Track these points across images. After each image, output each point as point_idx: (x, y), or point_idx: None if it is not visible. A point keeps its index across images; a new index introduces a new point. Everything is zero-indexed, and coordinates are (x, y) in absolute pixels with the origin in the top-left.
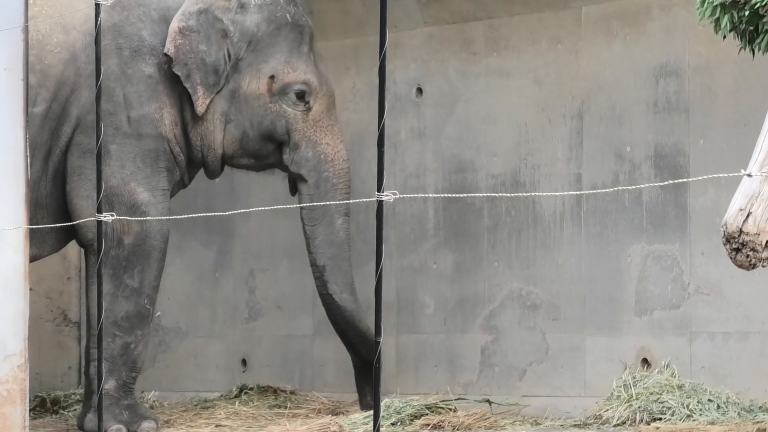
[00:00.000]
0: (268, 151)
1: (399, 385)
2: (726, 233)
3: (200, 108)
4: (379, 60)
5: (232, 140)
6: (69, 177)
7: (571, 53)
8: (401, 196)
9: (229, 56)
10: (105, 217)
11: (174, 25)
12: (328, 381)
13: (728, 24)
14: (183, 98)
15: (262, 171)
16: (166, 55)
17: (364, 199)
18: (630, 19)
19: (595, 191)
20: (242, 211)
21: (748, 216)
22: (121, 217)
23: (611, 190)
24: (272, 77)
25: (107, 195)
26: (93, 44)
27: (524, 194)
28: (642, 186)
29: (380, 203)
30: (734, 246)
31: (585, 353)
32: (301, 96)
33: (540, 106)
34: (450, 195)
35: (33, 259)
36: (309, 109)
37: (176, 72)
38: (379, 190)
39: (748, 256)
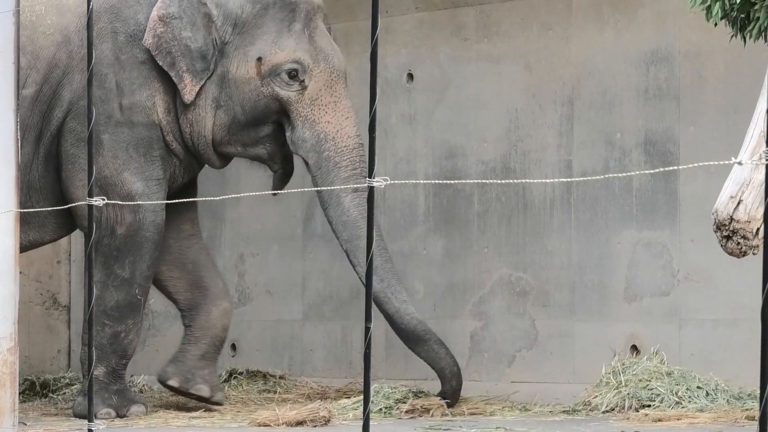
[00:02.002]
0: (258, 137)
1: (388, 370)
2: (717, 220)
3: (188, 96)
4: (370, 45)
5: (221, 126)
6: (63, 164)
7: (562, 39)
8: (392, 182)
9: (216, 41)
10: (96, 201)
11: (153, 14)
12: (318, 366)
13: (719, 11)
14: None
15: (253, 161)
16: (148, 52)
17: (355, 185)
18: (621, 5)
19: (584, 179)
20: (234, 196)
21: (738, 203)
22: (112, 202)
23: (601, 177)
24: (260, 59)
25: (101, 185)
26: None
27: (513, 181)
28: (632, 173)
29: (371, 189)
30: (725, 233)
31: (574, 340)
32: (293, 75)
33: (531, 92)
34: (440, 182)
35: (34, 244)
36: (304, 88)
37: (159, 62)
38: (369, 176)
39: (738, 243)
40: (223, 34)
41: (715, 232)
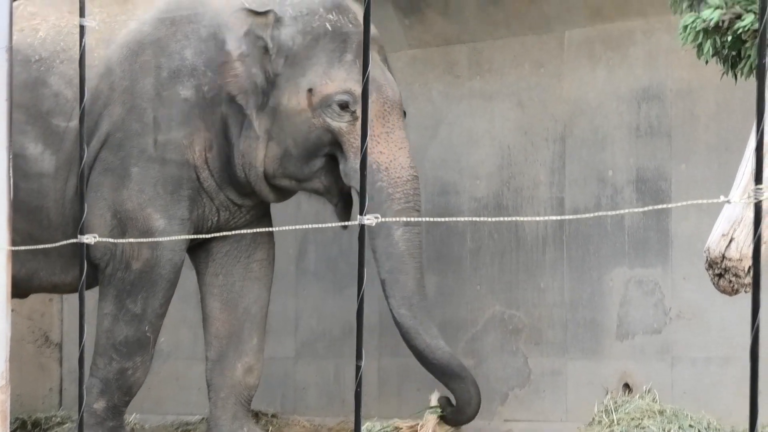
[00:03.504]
0: (310, 172)
1: (381, 409)
2: (709, 258)
3: (258, 131)
4: (361, 83)
5: (273, 158)
6: (88, 193)
7: (554, 77)
8: (384, 219)
9: (269, 73)
10: (87, 239)
11: (233, 53)
12: (310, 404)
13: (711, 49)
14: (228, 119)
15: (311, 194)
16: (221, 86)
17: (347, 223)
18: (613, 43)
19: (576, 216)
20: (284, 228)
21: (730, 241)
22: (102, 240)
23: (593, 215)
24: (310, 90)
25: (121, 218)
26: (130, 59)
27: (506, 219)
28: (624, 211)
29: (362, 226)
30: (717, 271)
31: (567, 378)
32: (344, 106)
33: (523, 130)
34: (432, 219)
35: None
36: (356, 119)
37: (240, 103)
38: (361, 213)
39: (730, 281)
40: (275, 66)
41: (707, 270)
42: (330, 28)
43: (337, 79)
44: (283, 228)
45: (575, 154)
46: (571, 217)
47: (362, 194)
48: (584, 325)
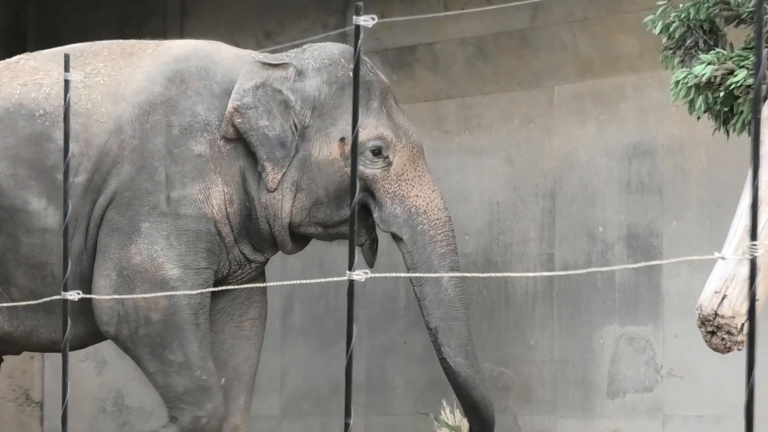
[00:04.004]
0: (339, 219)
1: None
2: (701, 316)
3: (271, 184)
4: (351, 137)
5: (301, 208)
6: (96, 253)
7: (544, 132)
8: (373, 275)
9: (296, 126)
10: (71, 295)
11: (229, 106)
12: None
13: (702, 105)
14: (246, 173)
15: (332, 240)
16: (224, 138)
17: (336, 278)
18: (603, 98)
19: (567, 273)
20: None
21: (723, 299)
22: (87, 296)
23: (584, 271)
24: (342, 139)
25: (128, 275)
26: (140, 118)
27: (495, 274)
28: (615, 268)
29: (351, 282)
30: (709, 329)
31: None
32: (377, 153)
33: (512, 185)
34: (421, 275)
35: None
36: (389, 164)
37: (253, 149)
38: (350, 269)
39: (723, 339)
40: (302, 119)
41: (700, 327)
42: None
43: (368, 126)
44: (271, 284)
45: (565, 209)
46: (561, 273)
47: (351, 249)
48: (574, 382)
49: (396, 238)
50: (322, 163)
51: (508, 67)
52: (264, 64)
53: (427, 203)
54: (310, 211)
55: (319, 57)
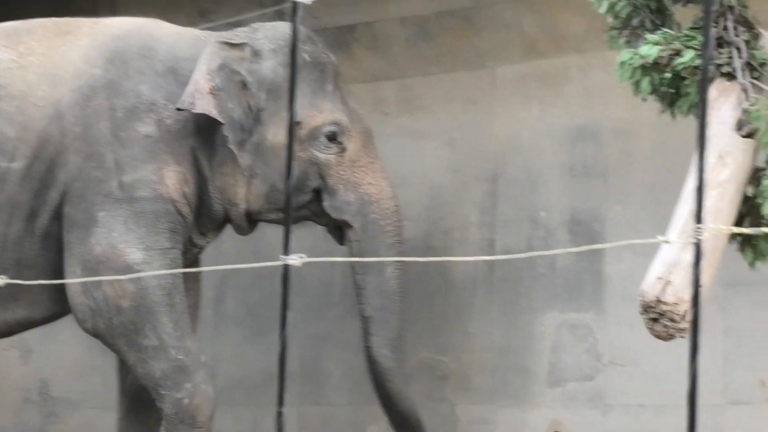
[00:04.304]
0: (299, 204)
1: None
2: (643, 302)
3: (244, 166)
4: (287, 123)
5: (257, 195)
6: (63, 251)
7: (486, 114)
8: (309, 259)
9: (251, 109)
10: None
11: (205, 86)
12: None
13: (648, 86)
14: (197, 152)
15: (293, 224)
16: (187, 118)
17: (270, 263)
18: (547, 80)
19: (509, 257)
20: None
21: (666, 285)
22: (9, 281)
23: (525, 255)
24: (298, 123)
25: (91, 267)
26: (81, 103)
27: (435, 259)
28: (557, 252)
29: (286, 267)
30: (652, 316)
31: (496, 426)
32: (332, 138)
33: (453, 169)
34: (358, 260)
35: (23, 324)
36: (344, 150)
37: (226, 133)
38: (285, 254)
39: (666, 326)
40: (258, 101)
41: (642, 314)
42: (309, 59)
43: (324, 110)
44: (204, 269)
45: (507, 194)
46: (502, 257)
47: (286, 233)
48: (514, 371)
49: (345, 226)
50: (278, 148)
51: (450, 48)
52: (223, 43)
53: (379, 191)
54: (267, 197)
55: (274, 38)
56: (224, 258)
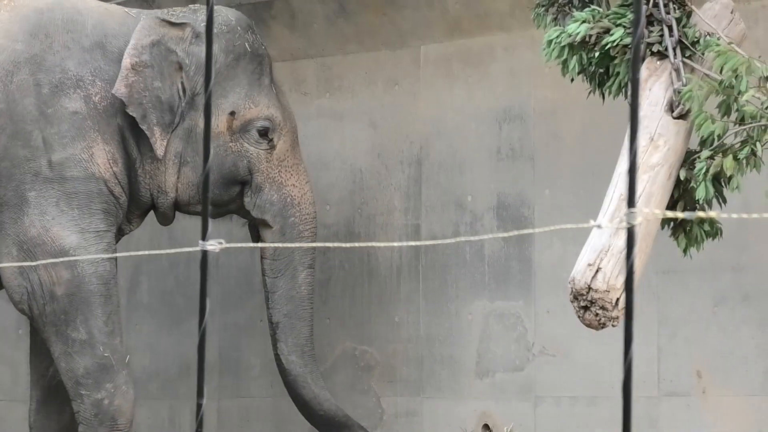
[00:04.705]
0: (229, 197)
1: None
2: (573, 290)
3: (160, 150)
4: (204, 95)
5: (188, 185)
6: None
7: (409, 95)
8: (228, 245)
9: (184, 91)
10: None
11: (126, 61)
12: None
13: (577, 66)
14: (125, 132)
15: (218, 218)
16: (115, 96)
17: (188, 249)
18: (472, 59)
19: (434, 242)
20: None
21: (597, 271)
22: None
23: (451, 240)
24: (232, 113)
25: (27, 248)
26: (4, 80)
27: (358, 244)
28: (484, 237)
29: (204, 253)
30: (582, 304)
31: (422, 418)
32: (264, 133)
33: (376, 152)
34: (279, 245)
35: None
36: (273, 147)
37: (131, 113)
38: (203, 239)
39: (597, 314)
40: (194, 85)
41: (572, 302)
42: (249, 49)
43: (260, 104)
44: (118, 255)
45: (432, 178)
46: (428, 242)
47: (204, 217)
48: (441, 361)
49: (263, 225)
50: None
51: (371, 25)
52: (162, 20)
53: (301, 195)
54: (198, 188)
55: (215, 22)
56: (138, 244)
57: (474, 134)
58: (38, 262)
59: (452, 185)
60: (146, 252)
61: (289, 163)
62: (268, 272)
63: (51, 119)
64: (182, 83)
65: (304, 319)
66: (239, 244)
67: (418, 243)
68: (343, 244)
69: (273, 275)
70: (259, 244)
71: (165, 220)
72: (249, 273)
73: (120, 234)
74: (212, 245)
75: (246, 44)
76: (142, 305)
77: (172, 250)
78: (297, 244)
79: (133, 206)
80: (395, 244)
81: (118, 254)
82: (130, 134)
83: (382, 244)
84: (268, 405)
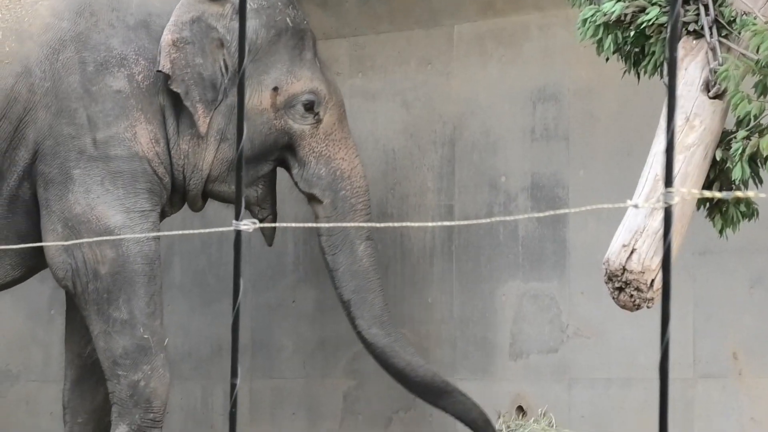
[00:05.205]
0: (255, 177)
1: None
2: (608, 271)
3: (203, 128)
4: (237, 75)
5: (222, 160)
6: (40, 210)
7: (442, 75)
8: (261, 225)
9: (226, 68)
10: None
11: (167, 37)
12: (174, 430)
13: (612, 45)
14: (166, 112)
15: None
16: (160, 72)
17: (221, 229)
18: (506, 39)
19: (468, 222)
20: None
21: (632, 253)
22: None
23: (485, 221)
24: (276, 89)
25: (72, 225)
26: (50, 58)
27: (392, 224)
28: (518, 217)
29: (238, 233)
30: (617, 285)
31: None
32: (309, 107)
33: (408, 132)
34: (312, 224)
35: None
36: (319, 121)
37: (175, 89)
38: (237, 219)
39: (632, 296)
40: (236, 62)
41: (607, 283)
42: (290, 24)
43: (303, 78)
44: (150, 234)
45: (465, 158)
46: (462, 223)
47: (238, 197)
48: (474, 343)
49: (314, 200)
50: (251, 112)
51: (403, 4)
52: None
53: (351, 168)
54: (231, 164)
55: None
56: (170, 224)
57: (508, 114)
58: (82, 240)
59: (486, 165)
60: (179, 232)
61: (336, 136)
62: (326, 249)
63: (95, 97)
64: (224, 60)
65: (374, 290)
66: (272, 224)
67: (451, 223)
68: (376, 224)
69: (332, 252)
70: (292, 224)
71: (195, 203)
72: (281, 254)
73: (163, 215)
74: (246, 225)
75: (287, 19)
76: (175, 285)
77: (206, 230)
78: (326, 224)
79: (172, 190)
80: (429, 224)
81: (151, 234)
82: (170, 113)
83: (415, 224)
84: (300, 386)
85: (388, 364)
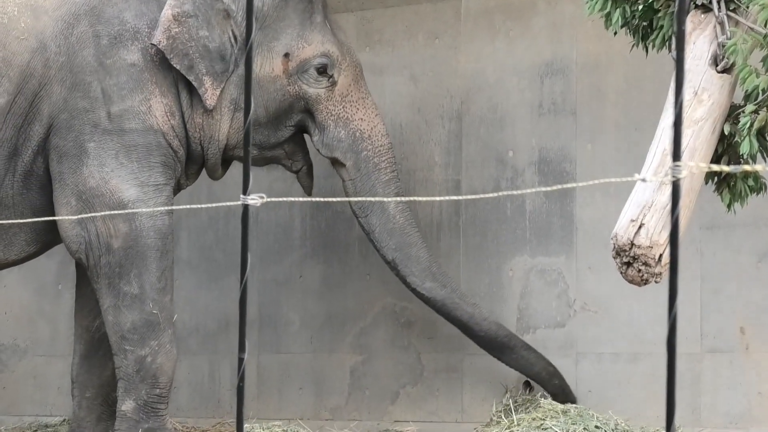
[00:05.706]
0: (277, 141)
1: (260, 409)
2: (616, 246)
3: (210, 101)
4: (244, 50)
5: (238, 129)
6: (53, 183)
7: (450, 49)
8: (269, 199)
9: (235, 38)
10: None
11: (167, 12)
12: (182, 405)
13: (620, 19)
14: (179, 85)
15: (263, 165)
16: (155, 46)
17: (228, 203)
18: (513, 13)
19: (475, 197)
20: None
21: (640, 227)
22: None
23: (492, 195)
24: (287, 55)
25: (86, 198)
26: (65, 32)
27: (399, 199)
28: (525, 191)
29: (246, 207)
30: (625, 260)
31: (462, 375)
32: (322, 70)
33: (416, 106)
34: (320, 199)
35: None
36: (334, 84)
37: (175, 65)
38: (244, 193)
39: (639, 270)
40: (243, 31)
41: (615, 258)
42: None
43: (314, 42)
44: (158, 209)
45: (473, 133)
46: (469, 197)
47: (245, 171)
48: None
49: (337, 163)
50: (264, 80)
51: None
52: None
53: (371, 128)
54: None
55: None
56: (177, 199)
57: (515, 88)
58: (95, 214)
59: (493, 140)
60: (188, 206)
61: (353, 97)
62: (358, 213)
63: (110, 70)
64: (232, 31)
65: (415, 244)
66: (281, 199)
67: (458, 198)
68: (384, 199)
69: (363, 214)
70: (300, 199)
71: (214, 172)
72: (288, 228)
73: (178, 188)
74: (254, 199)
75: None
76: (182, 260)
77: (213, 204)
78: (339, 199)
79: (189, 161)
80: (436, 198)
81: (159, 208)
82: (184, 86)
83: (422, 199)
84: (308, 360)
85: (452, 317)
